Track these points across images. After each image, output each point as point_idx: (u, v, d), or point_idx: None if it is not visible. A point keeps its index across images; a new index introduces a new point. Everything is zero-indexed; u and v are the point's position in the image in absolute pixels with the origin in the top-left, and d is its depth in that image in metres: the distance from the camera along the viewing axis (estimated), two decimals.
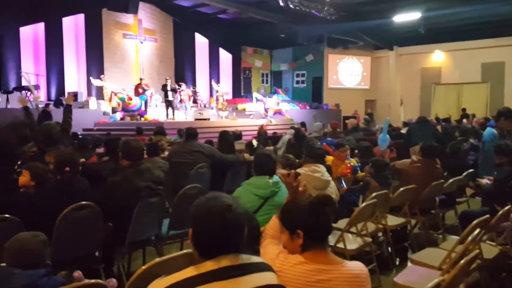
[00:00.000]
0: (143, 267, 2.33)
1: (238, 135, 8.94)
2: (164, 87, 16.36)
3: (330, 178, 4.35)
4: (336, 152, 5.79)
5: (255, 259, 1.79)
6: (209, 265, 1.65)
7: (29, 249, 2.32)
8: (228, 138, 6.72)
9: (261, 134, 9.79)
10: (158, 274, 1.77)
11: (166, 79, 16.69)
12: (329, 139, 7.34)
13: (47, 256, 2.42)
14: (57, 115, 12.43)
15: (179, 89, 17.28)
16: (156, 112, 17.13)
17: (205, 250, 1.70)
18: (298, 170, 4.13)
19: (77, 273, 2.51)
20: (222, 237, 1.68)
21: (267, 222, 3.26)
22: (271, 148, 7.58)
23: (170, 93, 16.31)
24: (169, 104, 16.48)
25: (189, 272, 1.65)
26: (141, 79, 16.52)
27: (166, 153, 6.84)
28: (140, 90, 15.81)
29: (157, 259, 2.42)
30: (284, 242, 2.07)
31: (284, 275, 1.90)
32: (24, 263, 2.26)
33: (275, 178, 3.60)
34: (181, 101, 17.56)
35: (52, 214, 3.35)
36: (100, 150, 7.40)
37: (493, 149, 5.20)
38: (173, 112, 16.50)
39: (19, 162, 4.55)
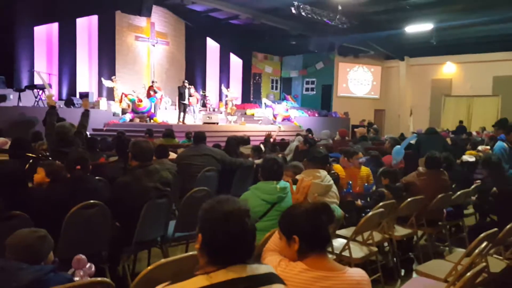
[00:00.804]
0: (148, 268, 2.34)
1: (246, 140, 8.96)
2: (182, 89, 16.15)
3: (331, 182, 4.27)
4: (351, 160, 5.78)
5: (263, 269, 1.72)
6: (217, 276, 1.56)
7: (27, 244, 2.34)
8: (232, 143, 6.80)
9: (268, 140, 9.79)
10: (163, 276, 1.74)
11: (184, 82, 16.57)
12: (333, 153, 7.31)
13: (47, 252, 2.43)
14: (68, 114, 12.61)
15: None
16: (166, 115, 17.16)
17: (218, 257, 1.61)
18: (297, 177, 4.11)
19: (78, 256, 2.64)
20: (239, 244, 1.60)
21: (273, 227, 3.27)
22: (280, 154, 7.59)
23: (187, 96, 16.16)
24: (184, 107, 16.26)
25: (195, 282, 1.56)
26: (153, 82, 16.56)
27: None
28: (152, 93, 15.90)
29: (162, 260, 2.43)
30: (282, 248, 2.07)
31: (286, 283, 1.90)
32: (25, 259, 2.27)
33: (282, 183, 3.59)
34: (189, 104, 17.54)
35: (61, 212, 3.38)
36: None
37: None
38: (184, 116, 16.32)
39: (30, 161, 4.63)
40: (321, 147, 7.21)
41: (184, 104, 16.17)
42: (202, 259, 1.64)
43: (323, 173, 4.25)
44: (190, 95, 16.71)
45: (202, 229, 1.65)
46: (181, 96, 16.12)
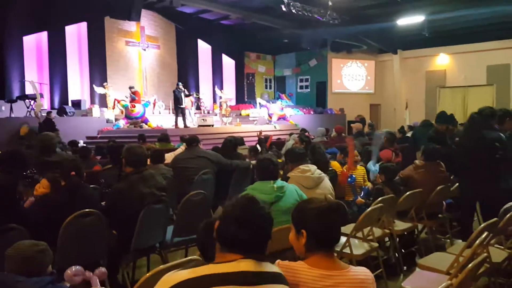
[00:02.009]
0: (148, 275, 2.31)
1: (240, 141, 8.91)
2: (177, 93, 15.77)
3: (322, 174, 4.33)
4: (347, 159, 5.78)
5: (274, 268, 1.77)
6: (229, 266, 1.62)
7: (28, 257, 2.33)
8: (229, 145, 6.76)
9: (262, 141, 9.74)
10: None
11: (178, 85, 16.25)
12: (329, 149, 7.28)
13: (47, 265, 2.42)
14: (62, 123, 12.58)
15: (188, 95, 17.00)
16: (160, 119, 17.09)
17: (234, 240, 1.68)
18: (289, 175, 4.15)
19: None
20: (258, 229, 1.69)
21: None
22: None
23: (183, 100, 15.84)
24: (182, 111, 15.96)
25: (207, 269, 1.62)
26: (130, 88, 15.87)
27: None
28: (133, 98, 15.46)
29: (162, 267, 2.40)
30: (291, 238, 2.05)
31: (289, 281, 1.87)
32: (24, 271, 2.27)
33: (279, 182, 3.58)
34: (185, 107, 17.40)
35: (58, 221, 3.34)
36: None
37: None
38: (184, 119, 15.99)
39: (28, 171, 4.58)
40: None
41: (182, 108, 15.92)
42: (217, 247, 1.74)
43: (312, 167, 4.32)
44: (187, 96, 16.50)
45: (226, 212, 1.75)
46: (178, 100, 15.79)
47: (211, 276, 1.59)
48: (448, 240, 5.42)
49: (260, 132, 11.26)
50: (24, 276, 2.24)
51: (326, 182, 4.34)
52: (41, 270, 2.36)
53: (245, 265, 1.63)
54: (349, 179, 5.45)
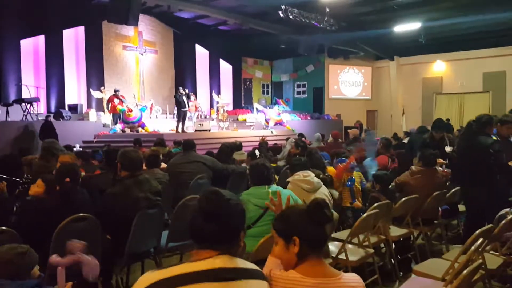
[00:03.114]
0: None
1: (238, 146, 8.92)
2: (179, 97, 15.66)
3: (320, 182, 4.37)
4: (343, 165, 5.77)
5: (249, 265, 1.77)
6: (204, 264, 1.63)
7: (6, 260, 2.31)
8: (225, 150, 6.76)
9: (263, 145, 9.75)
10: None
11: (179, 89, 16.17)
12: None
13: (30, 268, 2.40)
14: (56, 127, 12.54)
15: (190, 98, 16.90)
16: (157, 124, 17.06)
17: (202, 233, 1.69)
18: (289, 179, 4.17)
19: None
20: (224, 221, 1.68)
21: (267, 232, 3.23)
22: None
23: (186, 103, 15.73)
24: (184, 115, 15.85)
25: (182, 268, 1.62)
26: (115, 91, 15.75)
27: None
28: (116, 101, 15.37)
29: None
30: (278, 253, 1.95)
31: None
32: (5, 275, 2.26)
33: (274, 187, 3.57)
34: (188, 111, 17.23)
35: (50, 226, 3.31)
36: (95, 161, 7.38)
37: None
38: (183, 124, 15.86)
39: (25, 175, 4.58)
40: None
41: (184, 111, 15.80)
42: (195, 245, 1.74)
43: (311, 173, 4.35)
44: (188, 97, 16.41)
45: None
46: (180, 104, 15.70)
47: (185, 274, 1.59)
48: (444, 246, 5.41)
49: (263, 137, 11.25)
50: (9, 280, 2.23)
51: (324, 189, 4.36)
52: (23, 273, 2.33)
53: (220, 261, 1.63)
54: (348, 182, 5.43)
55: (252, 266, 1.79)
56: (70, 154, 5.52)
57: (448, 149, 6.40)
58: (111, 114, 15.48)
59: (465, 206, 5.53)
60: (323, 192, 4.29)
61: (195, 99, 18.24)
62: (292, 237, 1.89)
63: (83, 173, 4.68)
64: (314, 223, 1.90)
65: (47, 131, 12.24)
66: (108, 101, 15.69)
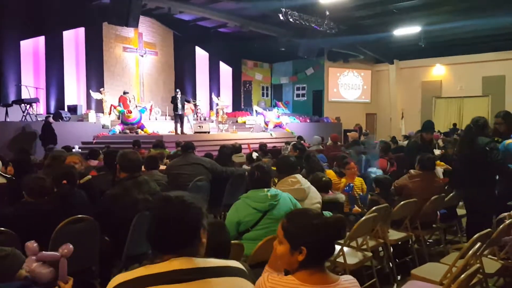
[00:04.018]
0: None
1: (237, 148, 8.93)
2: (174, 100, 15.61)
3: (308, 184, 4.18)
4: (343, 170, 5.78)
5: (216, 263, 1.74)
6: (160, 267, 1.65)
7: None
8: (225, 152, 6.75)
9: (262, 147, 9.75)
10: None
11: (176, 92, 16.12)
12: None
13: (14, 270, 2.34)
14: (56, 128, 12.54)
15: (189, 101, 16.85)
16: (156, 125, 17.04)
17: (154, 237, 1.70)
18: (277, 188, 3.84)
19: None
20: (172, 223, 1.67)
21: (266, 235, 3.22)
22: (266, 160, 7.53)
23: (179, 106, 15.61)
24: (180, 117, 15.82)
25: (140, 271, 1.65)
26: (124, 93, 15.72)
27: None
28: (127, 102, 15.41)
29: None
30: (281, 253, 1.93)
31: None
32: None
33: (273, 191, 3.53)
34: (184, 114, 17.25)
35: (49, 227, 3.31)
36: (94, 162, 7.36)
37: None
38: (182, 126, 15.85)
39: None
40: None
41: (180, 114, 15.77)
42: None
43: (299, 177, 4.15)
44: (187, 101, 16.41)
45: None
46: (174, 107, 15.68)
47: (144, 277, 1.62)
48: (443, 250, 5.41)
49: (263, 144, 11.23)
50: None
51: (313, 191, 4.20)
52: (7, 275, 2.30)
53: (177, 263, 1.65)
54: (346, 188, 5.44)
55: (221, 263, 1.76)
56: (78, 155, 5.61)
57: (437, 152, 6.41)
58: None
59: (466, 209, 5.52)
60: (314, 196, 4.13)
61: (194, 104, 18.19)
62: (300, 246, 1.86)
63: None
64: (328, 238, 1.89)
65: (47, 131, 12.26)
66: (119, 101, 15.59)
